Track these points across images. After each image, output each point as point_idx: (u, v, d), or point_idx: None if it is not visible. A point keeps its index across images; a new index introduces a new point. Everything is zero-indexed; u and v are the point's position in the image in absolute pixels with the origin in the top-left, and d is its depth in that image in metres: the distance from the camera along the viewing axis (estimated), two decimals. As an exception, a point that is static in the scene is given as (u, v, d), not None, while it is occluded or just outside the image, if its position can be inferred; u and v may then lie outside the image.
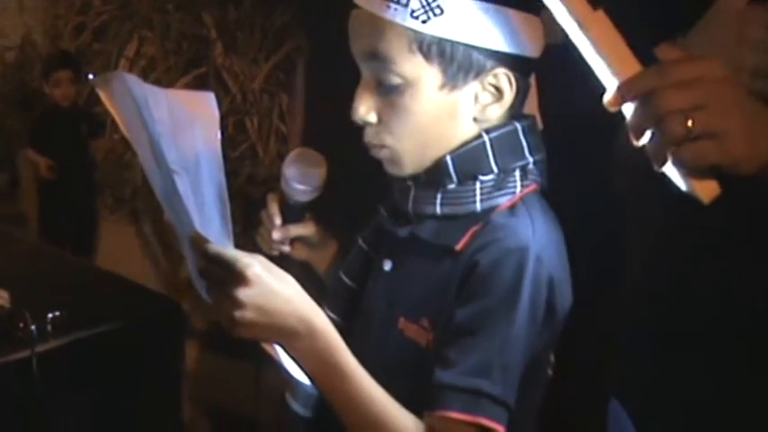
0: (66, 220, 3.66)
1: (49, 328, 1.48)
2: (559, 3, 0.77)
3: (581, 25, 0.76)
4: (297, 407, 1.09)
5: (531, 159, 1.01)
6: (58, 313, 1.50)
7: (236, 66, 3.57)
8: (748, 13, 0.82)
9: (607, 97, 0.74)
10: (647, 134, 0.73)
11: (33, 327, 1.45)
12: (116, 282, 1.83)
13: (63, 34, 4.27)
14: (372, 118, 1.00)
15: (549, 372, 1.06)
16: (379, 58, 0.97)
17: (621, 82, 0.74)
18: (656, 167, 0.74)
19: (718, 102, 0.71)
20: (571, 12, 0.77)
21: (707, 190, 0.75)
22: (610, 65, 0.75)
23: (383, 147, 1.01)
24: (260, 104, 3.48)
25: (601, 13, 0.75)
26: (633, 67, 0.74)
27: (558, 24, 0.95)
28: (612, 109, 0.74)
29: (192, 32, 3.78)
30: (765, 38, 0.80)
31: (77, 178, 3.66)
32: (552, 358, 1.06)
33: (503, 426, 0.93)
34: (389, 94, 0.98)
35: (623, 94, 0.73)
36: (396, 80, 0.97)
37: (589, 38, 0.76)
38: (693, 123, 0.70)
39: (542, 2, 0.81)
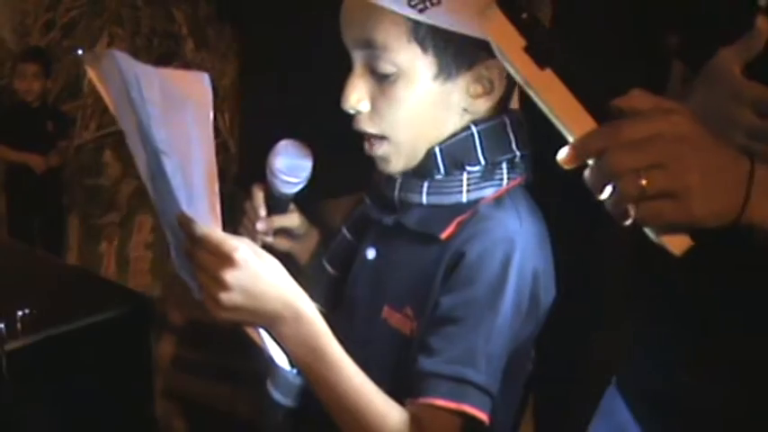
0: (35, 218, 3.64)
1: (18, 326, 1.47)
2: (505, 62, 0.76)
3: (528, 85, 0.74)
4: (278, 395, 1.08)
5: (518, 153, 1.01)
6: (27, 311, 1.49)
7: (206, 62, 3.56)
8: (743, 91, 0.79)
9: (561, 155, 0.72)
10: (608, 189, 0.71)
11: (2, 325, 1.44)
12: (85, 278, 1.82)
13: (32, 31, 4.23)
14: (364, 106, 0.99)
15: (530, 366, 1.07)
16: (375, 47, 0.96)
17: (573, 141, 0.72)
18: (619, 223, 0.71)
19: (676, 160, 0.68)
20: (517, 71, 0.75)
21: (677, 243, 0.72)
22: (561, 123, 0.73)
23: (381, 138, 1.00)
24: (231, 100, 3.47)
25: (548, 72, 0.73)
26: (586, 124, 0.72)
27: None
28: (567, 167, 0.72)
29: (163, 28, 3.77)
30: (757, 125, 0.78)
31: (46, 176, 3.64)
32: (533, 353, 1.06)
33: (487, 414, 0.94)
34: (383, 82, 0.98)
35: (576, 154, 0.71)
36: (390, 69, 0.97)
37: (537, 97, 0.74)
38: (648, 183, 0.68)
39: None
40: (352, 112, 1.00)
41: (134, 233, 3.79)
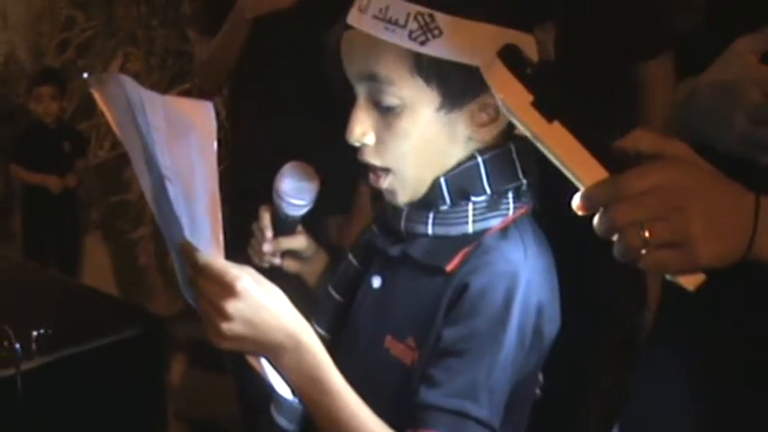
0: (50, 238, 3.65)
1: (33, 346, 1.47)
2: (512, 118, 0.76)
3: (537, 139, 0.75)
4: (282, 421, 1.08)
5: (524, 181, 1.00)
6: (42, 331, 1.49)
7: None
8: (754, 71, 0.79)
9: (574, 203, 0.73)
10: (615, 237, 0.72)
11: (17, 345, 1.44)
12: (99, 298, 1.83)
13: (47, 51, 4.27)
14: (370, 139, 0.99)
15: (538, 392, 1.06)
16: (378, 80, 0.96)
17: (581, 193, 0.72)
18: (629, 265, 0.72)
19: (677, 211, 0.69)
20: (525, 127, 0.75)
21: (691, 280, 0.73)
22: (573, 175, 0.74)
23: (386, 172, 1.00)
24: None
25: (556, 125, 0.73)
26: (597, 174, 0.72)
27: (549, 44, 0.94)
28: (582, 214, 0.73)
29: (177, 48, 3.78)
30: (763, 104, 0.78)
31: (61, 195, 3.65)
32: (541, 378, 1.06)
33: None
34: (387, 115, 0.97)
35: (584, 205, 0.72)
36: (394, 101, 0.96)
37: (547, 150, 0.74)
38: (651, 235, 0.69)
39: (535, 21, 0.79)
40: (357, 144, 1.00)
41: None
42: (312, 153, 1.19)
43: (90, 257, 3.87)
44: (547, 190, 1.03)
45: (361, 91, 0.99)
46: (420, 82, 0.95)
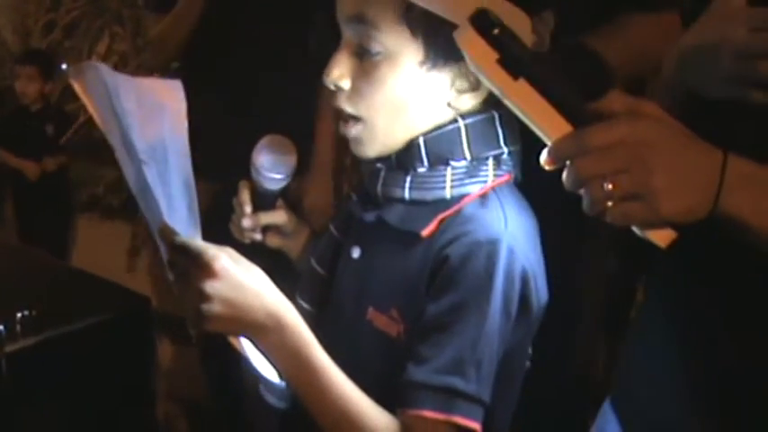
0: (42, 221, 3.63)
1: (18, 328, 1.47)
2: (480, 75, 0.79)
3: (504, 96, 0.78)
4: (272, 399, 1.08)
5: (505, 149, 0.99)
6: (26, 313, 1.48)
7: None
8: (742, 13, 0.80)
9: (542, 158, 0.75)
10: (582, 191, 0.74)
11: (2, 327, 1.43)
12: (85, 279, 1.81)
13: (33, 32, 4.24)
14: (345, 84, 0.98)
15: (528, 363, 1.05)
16: (365, 22, 0.94)
17: (547, 148, 0.75)
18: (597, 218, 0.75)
19: (639, 164, 0.71)
20: (492, 83, 0.78)
21: (662, 236, 0.74)
22: (540, 130, 0.76)
23: (356, 120, 0.99)
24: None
25: (522, 82, 0.76)
26: (562, 129, 0.75)
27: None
28: (548, 169, 0.75)
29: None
30: (749, 41, 0.78)
31: (52, 177, 3.62)
32: (530, 350, 1.04)
33: (478, 423, 0.92)
34: (367, 61, 0.96)
35: (551, 159, 0.75)
36: (377, 47, 0.95)
37: (514, 107, 0.78)
38: (614, 187, 0.71)
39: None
40: (332, 87, 0.98)
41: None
42: (272, 120, 1.19)
43: (83, 239, 3.86)
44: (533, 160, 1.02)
45: (346, 34, 0.98)
46: (406, 31, 0.94)
